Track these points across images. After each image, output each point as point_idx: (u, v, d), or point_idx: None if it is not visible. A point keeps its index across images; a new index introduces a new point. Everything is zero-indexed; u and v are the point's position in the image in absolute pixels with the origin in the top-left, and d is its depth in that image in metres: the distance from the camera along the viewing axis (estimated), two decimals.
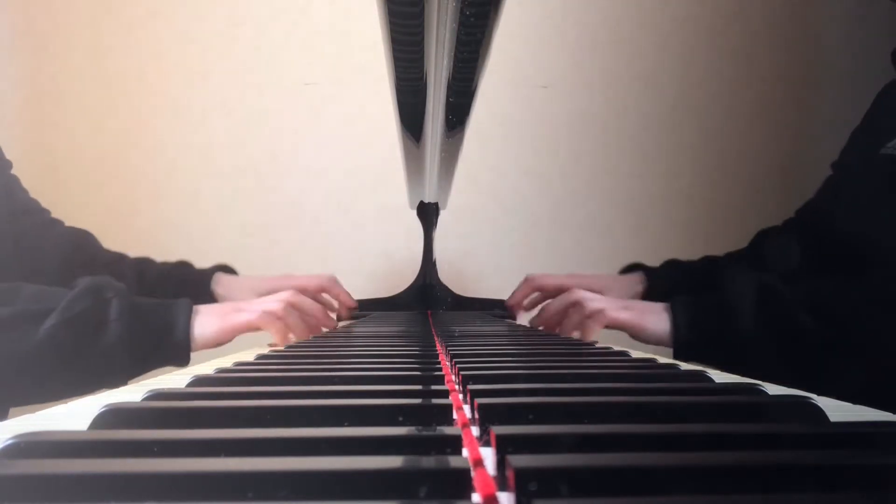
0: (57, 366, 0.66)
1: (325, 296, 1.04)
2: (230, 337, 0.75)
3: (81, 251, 0.95)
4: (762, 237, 1.02)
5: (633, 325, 0.77)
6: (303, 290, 0.92)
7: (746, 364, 0.69)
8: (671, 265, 1.03)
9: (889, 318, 0.68)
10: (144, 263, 0.98)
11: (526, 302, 1.06)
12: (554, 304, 0.86)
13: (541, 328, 0.90)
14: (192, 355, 0.74)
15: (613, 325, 0.78)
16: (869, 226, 0.81)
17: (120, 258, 0.98)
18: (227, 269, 1.00)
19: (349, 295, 1.06)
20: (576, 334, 0.81)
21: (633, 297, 0.96)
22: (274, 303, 0.75)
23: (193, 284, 0.96)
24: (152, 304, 0.73)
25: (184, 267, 0.98)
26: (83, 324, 0.67)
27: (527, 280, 1.04)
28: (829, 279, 0.78)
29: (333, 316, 1.02)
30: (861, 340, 0.69)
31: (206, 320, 0.73)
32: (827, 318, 0.70)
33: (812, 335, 0.70)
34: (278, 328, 0.72)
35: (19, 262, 0.81)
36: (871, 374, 0.68)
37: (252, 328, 0.74)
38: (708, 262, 1.02)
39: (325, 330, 0.84)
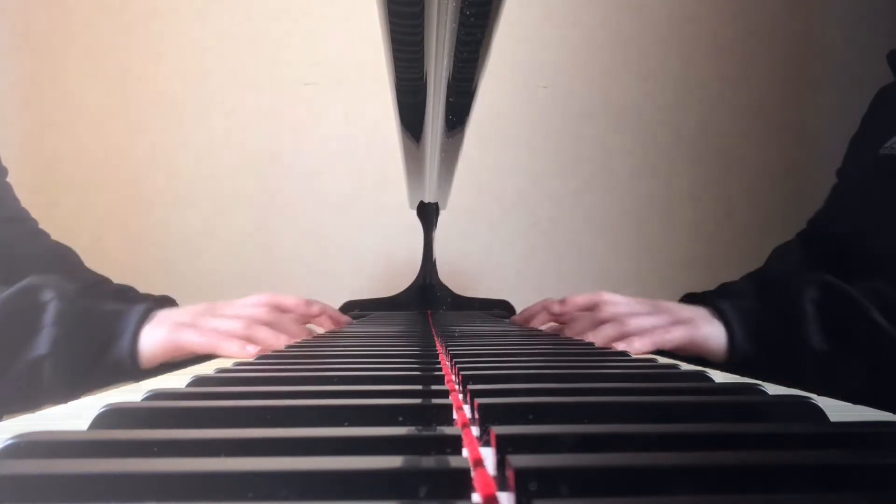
0: None
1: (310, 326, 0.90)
2: (174, 356, 0.64)
3: (65, 265, 0.89)
4: (778, 254, 0.98)
5: (691, 341, 0.64)
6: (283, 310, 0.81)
7: (816, 374, 0.61)
8: (731, 297, 0.94)
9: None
10: (126, 293, 0.89)
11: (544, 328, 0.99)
12: (582, 323, 0.73)
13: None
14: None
15: (668, 348, 0.65)
16: (874, 228, 0.79)
17: (102, 282, 0.90)
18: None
19: (333, 315, 0.91)
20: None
21: None
22: (235, 321, 0.65)
23: None
24: (102, 309, 0.63)
25: (165, 303, 0.92)
26: (12, 330, 0.57)
27: (545, 308, 0.96)
28: (884, 280, 0.67)
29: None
30: None
31: (153, 332, 0.63)
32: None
33: (888, 338, 0.60)
34: (233, 351, 0.61)
35: (1, 270, 0.78)
36: (872, 374, 0.67)
37: (202, 353, 0.63)
38: (724, 290, 0.96)
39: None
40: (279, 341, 0.64)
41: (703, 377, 0.41)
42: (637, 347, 0.63)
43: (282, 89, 1.47)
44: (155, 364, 0.64)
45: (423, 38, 0.45)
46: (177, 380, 0.45)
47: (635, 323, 0.66)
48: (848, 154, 0.93)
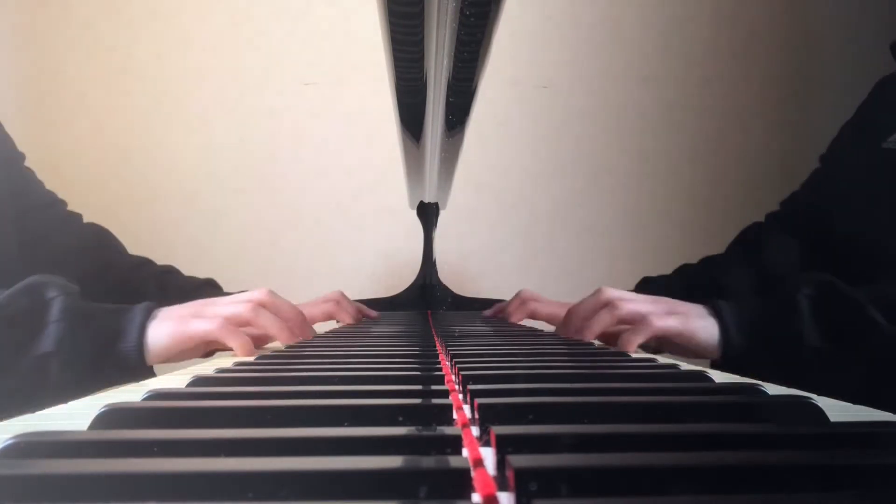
0: None
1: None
2: (184, 347, 0.64)
3: (104, 250, 0.90)
4: (750, 233, 0.99)
5: (681, 332, 0.64)
6: (311, 318, 0.86)
7: (810, 372, 0.61)
8: (680, 273, 0.97)
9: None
10: (169, 274, 0.92)
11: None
12: (581, 308, 0.72)
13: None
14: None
15: (660, 335, 0.66)
16: (870, 223, 0.78)
17: (144, 263, 0.92)
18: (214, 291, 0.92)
19: (357, 311, 0.99)
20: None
21: None
22: (239, 305, 0.65)
23: None
24: (105, 307, 0.63)
25: (209, 286, 0.92)
26: (18, 325, 0.57)
27: (521, 301, 0.95)
28: (890, 282, 0.66)
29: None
30: None
31: (160, 326, 0.63)
32: None
33: (887, 337, 0.59)
34: (241, 342, 0.62)
35: (38, 259, 0.76)
36: (871, 371, 0.67)
37: (211, 339, 0.63)
38: (710, 264, 0.98)
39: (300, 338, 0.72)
40: (281, 328, 0.66)
41: (703, 377, 0.41)
42: (633, 341, 0.64)
43: (282, 89, 1.47)
44: (163, 359, 0.64)
45: (423, 38, 0.45)
46: (177, 380, 0.45)
47: (630, 307, 0.66)
48: (838, 140, 0.92)
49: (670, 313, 0.65)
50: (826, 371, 0.62)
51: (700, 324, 0.65)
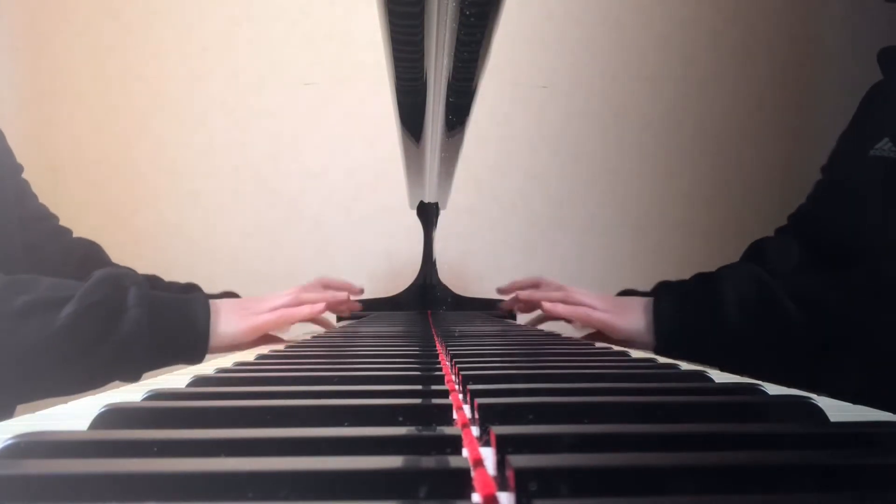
0: (75, 354, 0.65)
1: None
2: (254, 337, 0.75)
3: (91, 262, 0.93)
4: (756, 248, 1.00)
5: (610, 325, 0.77)
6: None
7: (732, 358, 0.70)
8: (663, 288, 1.00)
9: (883, 314, 0.67)
10: (152, 281, 0.96)
11: (522, 294, 0.99)
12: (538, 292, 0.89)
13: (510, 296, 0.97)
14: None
15: (592, 325, 0.79)
16: (861, 226, 0.81)
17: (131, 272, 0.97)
18: (233, 296, 0.96)
19: (344, 288, 1.00)
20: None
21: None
22: (284, 297, 0.78)
23: None
24: (170, 296, 0.73)
25: (191, 290, 0.95)
26: (102, 311, 0.66)
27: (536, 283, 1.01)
28: (817, 272, 0.77)
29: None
30: (854, 334, 0.68)
31: (230, 319, 0.74)
32: (814, 309, 0.68)
33: (799, 326, 0.68)
34: (305, 313, 0.76)
35: (32, 267, 0.81)
36: (871, 373, 0.67)
37: (275, 328, 0.76)
38: (701, 280, 1.00)
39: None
40: (325, 297, 0.80)
41: (703, 377, 0.41)
42: (559, 310, 0.79)
43: (282, 89, 1.47)
44: (228, 346, 0.74)
45: (423, 38, 0.45)
46: (177, 380, 0.45)
47: (576, 296, 0.80)
48: (836, 151, 0.95)
49: (608, 310, 0.78)
50: (748, 355, 0.71)
51: (629, 319, 0.77)
